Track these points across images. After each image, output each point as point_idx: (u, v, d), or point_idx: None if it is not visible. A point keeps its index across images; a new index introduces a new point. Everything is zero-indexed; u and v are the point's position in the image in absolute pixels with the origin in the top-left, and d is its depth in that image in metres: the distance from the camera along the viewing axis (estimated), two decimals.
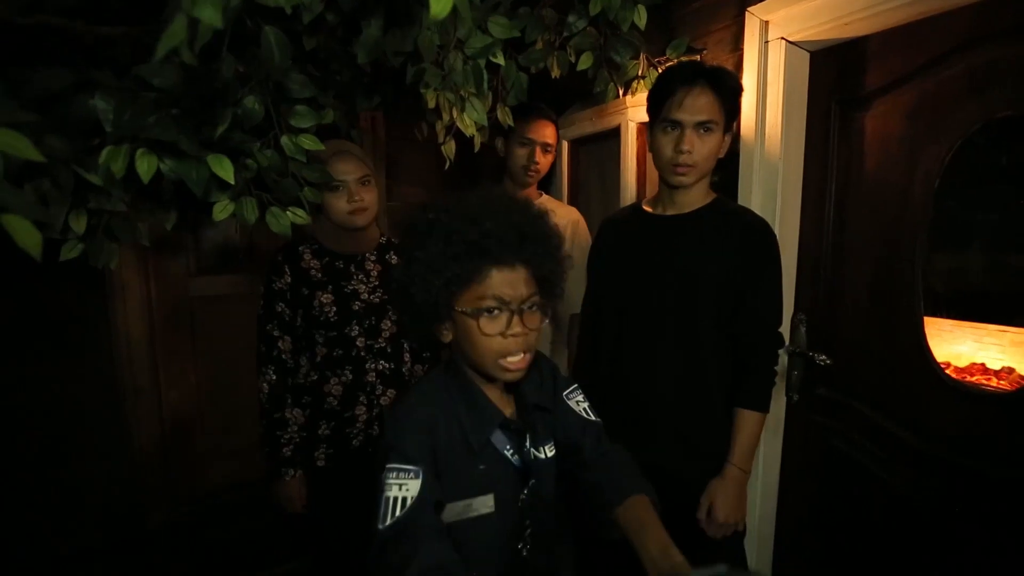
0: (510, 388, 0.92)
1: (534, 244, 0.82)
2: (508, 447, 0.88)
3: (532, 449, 0.91)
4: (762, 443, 1.49)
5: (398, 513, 0.74)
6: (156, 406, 1.97)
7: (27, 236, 0.57)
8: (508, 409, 0.91)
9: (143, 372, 1.93)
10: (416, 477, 0.77)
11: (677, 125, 1.17)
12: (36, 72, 0.76)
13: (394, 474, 0.77)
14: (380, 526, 0.74)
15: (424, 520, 0.75)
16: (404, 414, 0.85)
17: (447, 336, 0.86)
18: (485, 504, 0.85)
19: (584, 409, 0.99)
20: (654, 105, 1.22)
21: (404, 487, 0.76)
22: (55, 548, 1.82)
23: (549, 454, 0.93)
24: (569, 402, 0.99)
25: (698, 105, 1.15)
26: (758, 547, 1.56)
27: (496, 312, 0.81)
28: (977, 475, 1.14)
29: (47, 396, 1.79)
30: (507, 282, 0.81)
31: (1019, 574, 1.07)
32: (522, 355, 0.83)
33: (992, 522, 1.11)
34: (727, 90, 1.17)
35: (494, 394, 0.90)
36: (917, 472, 1.25)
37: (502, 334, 0.81)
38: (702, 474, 1.22)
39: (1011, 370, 1.32)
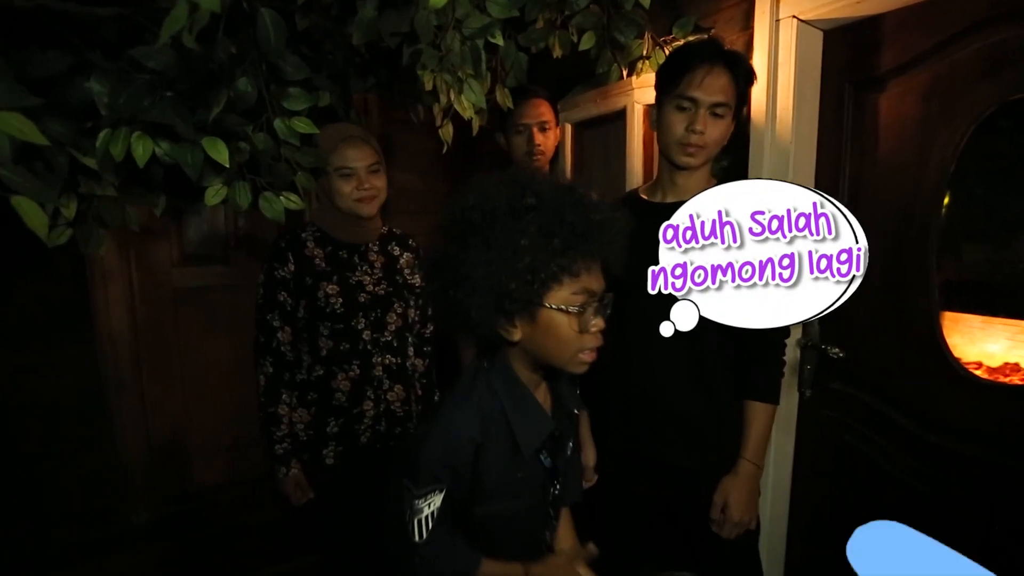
0: (550, 387, 0.97)
1: (620, 234, 0.86)
2: (545, 453, 0.94)
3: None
4: (773, 440, 1.55)
5: (430, 526, 0.87)
6: (139, 400, 2.05)
7: (35, 217, 0.64)
8: (547, 407, 0.95)
9: (126, 365, 2.01)
10: (440, 492, 0.87)
11: (693, 103, 1.20)
12: (33, 54, 0.83)
13: (424, 496, 0.86)
14: (417, 541, 0.87)
15: (446, 529, 0.89)
16: (441, 436, 0.87)
17: (515, 334, 0.84)
18: (521, 505, 0.93)
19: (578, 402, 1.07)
20: (668, 81, 1.24)
21: (432, 504, 0.87)
22: (37, 545, 1.90)
23: (569, 451, 1.01)
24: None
25: (717, 86, 1.19)
26: (769, 547, 1.63)
27: (587, 307, 0.82)
28: (993, 468, 1.20)
29: (25, 388, 1.86)
30: (596, 275, 0.83)
31: None
32: (596, 348, 0.86)
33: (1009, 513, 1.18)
34: (743, 75, 1.22)
35: (540, 395, 0.93)
36: (931, 467, 1.31)
37: (587, 330, 0.82)
38: (708, 465, 1.27)
39: None
